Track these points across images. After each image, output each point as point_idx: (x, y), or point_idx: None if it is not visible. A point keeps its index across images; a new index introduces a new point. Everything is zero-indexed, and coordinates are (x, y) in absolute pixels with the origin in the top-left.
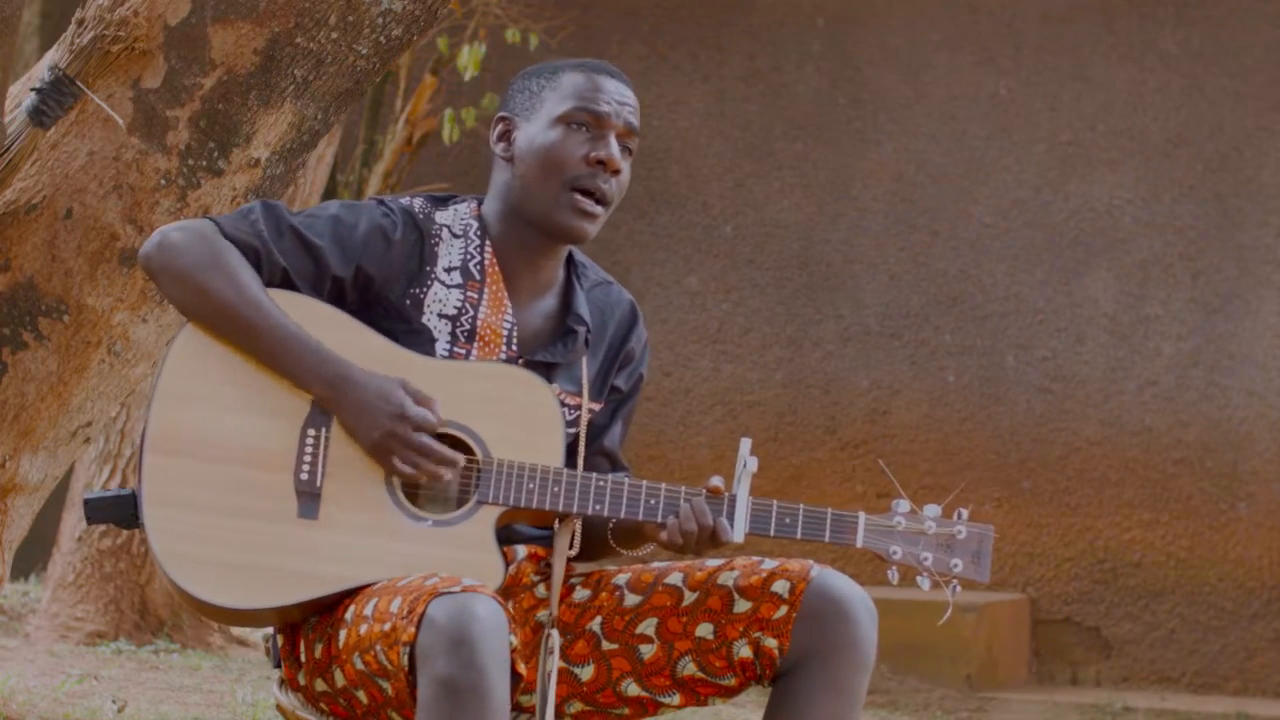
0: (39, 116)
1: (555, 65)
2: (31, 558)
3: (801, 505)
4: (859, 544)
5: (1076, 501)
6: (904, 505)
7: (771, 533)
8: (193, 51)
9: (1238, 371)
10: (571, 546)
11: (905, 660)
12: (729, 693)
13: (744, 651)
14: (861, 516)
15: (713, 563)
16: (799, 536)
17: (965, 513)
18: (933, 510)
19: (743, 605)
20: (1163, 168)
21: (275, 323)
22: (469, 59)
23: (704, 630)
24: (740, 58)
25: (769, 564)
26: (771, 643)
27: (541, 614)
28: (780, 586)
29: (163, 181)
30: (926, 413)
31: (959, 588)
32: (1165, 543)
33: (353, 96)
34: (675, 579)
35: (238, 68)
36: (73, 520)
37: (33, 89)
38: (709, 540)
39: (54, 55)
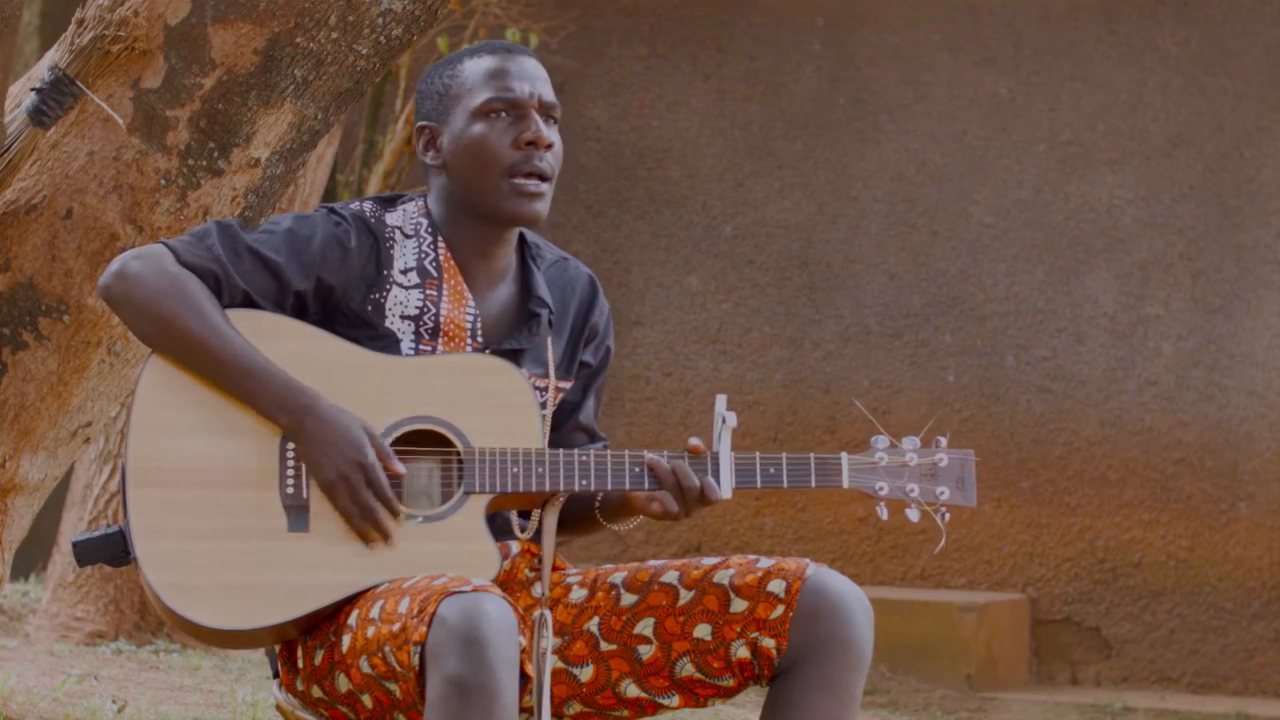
0: (39, 116)
1: (453, 58)
2: (31, 558)
3: (784, 454)
4: (845, 484)
5: (1076, 501)
6: (883, 441)
7: (758, 484)
8: (193, 51)
9: (1238, 371)
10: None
11: (905, 660)
12: (727, 693)
13: (741, 652)
14: (844, 457)
15: (708, 561)
16: (786, 485)
17: (944, 440)
18: (911, 442)
19: (739, 605)
20: (1163, 168)
21: (238, 352)
22: None
23: (702, 631)
24: (740, 58)
25: (765, 562)
26: (769, 643)
27: (538, 612)
28: (776, 586)
29: (163, 181)
30: (926, 413)
31: (948, 515)
32: (1165, 543)
33: (353, 96)
34: (671, 577)
35: (238, 68)
36: (73, 520)
37: (33, 89)
38: (697, 501)
39: (54, 55)
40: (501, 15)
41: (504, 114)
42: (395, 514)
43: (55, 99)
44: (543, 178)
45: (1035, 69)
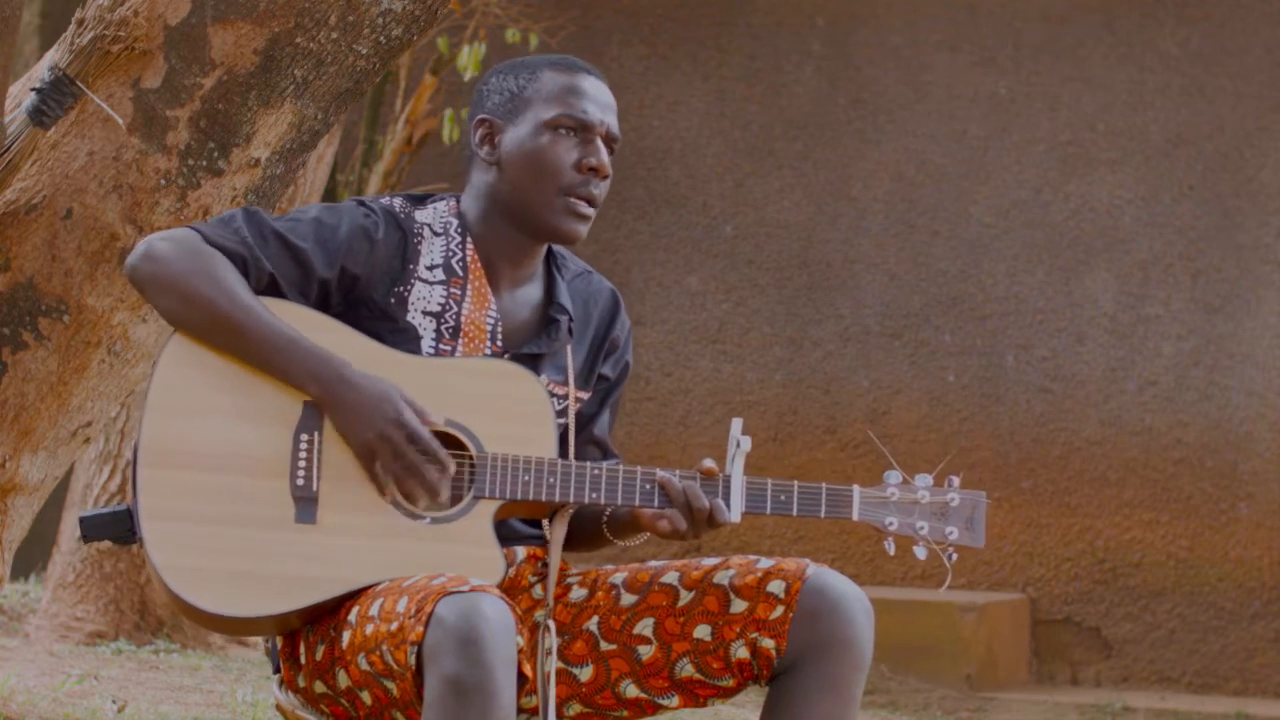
0: (39, 116)
1: (531, 63)
2: (31, 558)
3: (796, 482)
4: (855, 517)
5: (1076, 501)
6: (896, 476)
7: (768, 510)
8: (193, 51)
9: (1238, 371)
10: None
11: (905, 660)
12: (727, 693)
13: (741, 652)
14: (856, 490)
15: (708, 561)
16: (795, 514)
17: (956, 480)
18: (924, 480)
19: (739, 605)
20: (1163, 168)
21: (267, 324)
22: (469, 59)
23: (701, 632)
24: (740, 58)
25: (765, 563)
26: (769, 643)
27: (539, 614)
28: (776, 586)
29: (163, 181)
30: (926, 413)
31: (955, 555)
32: (1165, 543)
33: (353, 96)
34: (671, 578)
35: (238, 68)
36: (72, 520)
37: (33, 89)
38: (705, 522)
39: (54, 55)
40: (502, 15)
41: (573, 133)
42: (445, 467)
43: (55, 99)
44: (592, 203)
45: (1035, 69)
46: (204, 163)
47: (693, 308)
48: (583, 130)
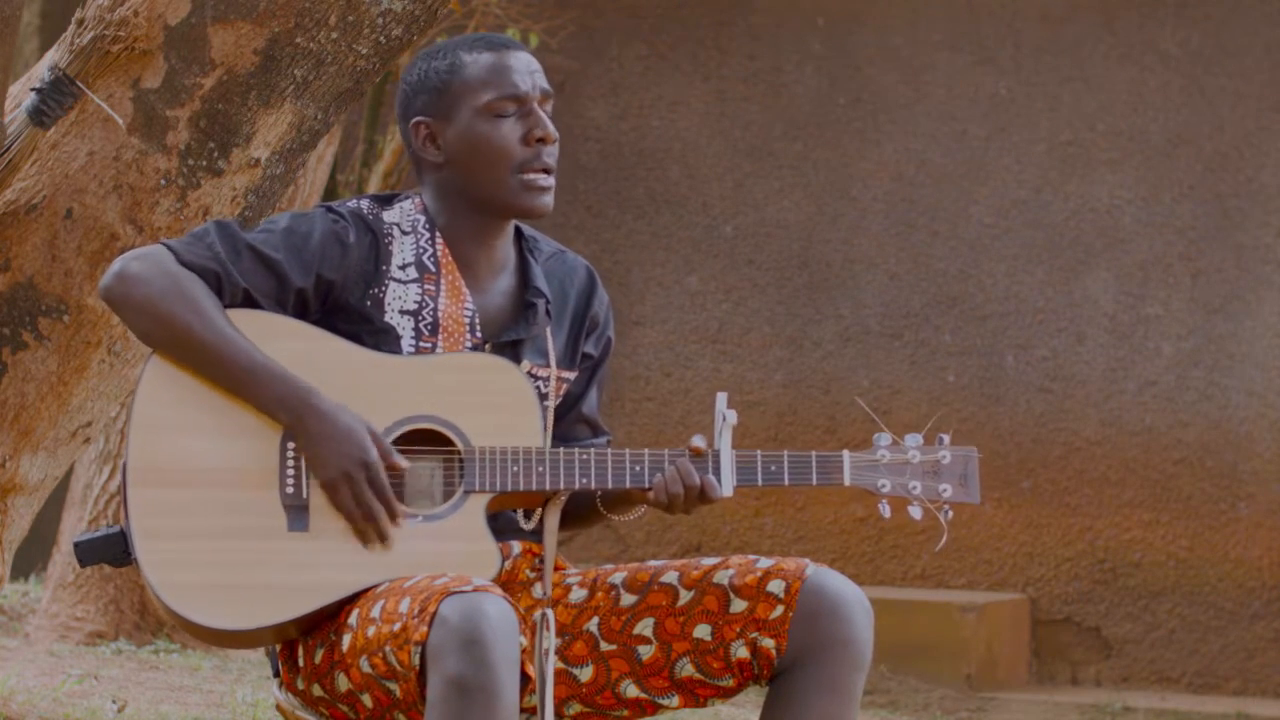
0: (39, 116)
1: (443, 51)
2: (31, 558)
3: (786, 452)
4: (847, 482)
5: (1076, 501)
6: (885, 439)
7: (760, 482)
8: (193, 51)
9: (1238, 371)
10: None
11: (905, 660)
12: (727, 693)
13: (741, 652)
14: (846, 455)
15: (708, 561)
16: (787, 483)
17: (946, 438)
18: (914, 439)
19: (739, 605)
20: (1163, 168)
21: (238, 350)
22: None
23: (701, 631)
24: (740, 58)
25: (764, 562)
26: (769, 643)
27: (538, 614)
28: (776, 586)
29: (163, 181)
30: (926, 413)
31: (951, 512)
32: (1165, 543)
33: (353, 96)
34: (671, 578)
35: (238, 68)
36: (73, 520)
37: (33, 89)
38: (697, 499)
39: (54, 55)
40: (501, 15)
41: (511, 112)
42: (395, 516)
43: (55, 99)
44: (549, 172)
45: (1035, 69)
46: (204, 163)
47: (693, 308)
48: (519, 104)
